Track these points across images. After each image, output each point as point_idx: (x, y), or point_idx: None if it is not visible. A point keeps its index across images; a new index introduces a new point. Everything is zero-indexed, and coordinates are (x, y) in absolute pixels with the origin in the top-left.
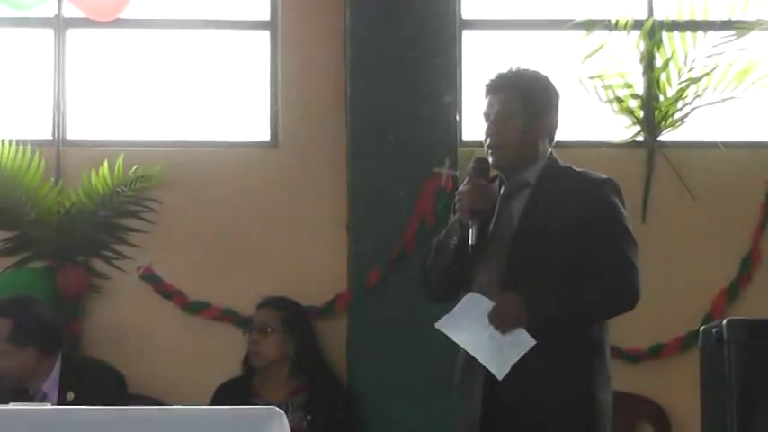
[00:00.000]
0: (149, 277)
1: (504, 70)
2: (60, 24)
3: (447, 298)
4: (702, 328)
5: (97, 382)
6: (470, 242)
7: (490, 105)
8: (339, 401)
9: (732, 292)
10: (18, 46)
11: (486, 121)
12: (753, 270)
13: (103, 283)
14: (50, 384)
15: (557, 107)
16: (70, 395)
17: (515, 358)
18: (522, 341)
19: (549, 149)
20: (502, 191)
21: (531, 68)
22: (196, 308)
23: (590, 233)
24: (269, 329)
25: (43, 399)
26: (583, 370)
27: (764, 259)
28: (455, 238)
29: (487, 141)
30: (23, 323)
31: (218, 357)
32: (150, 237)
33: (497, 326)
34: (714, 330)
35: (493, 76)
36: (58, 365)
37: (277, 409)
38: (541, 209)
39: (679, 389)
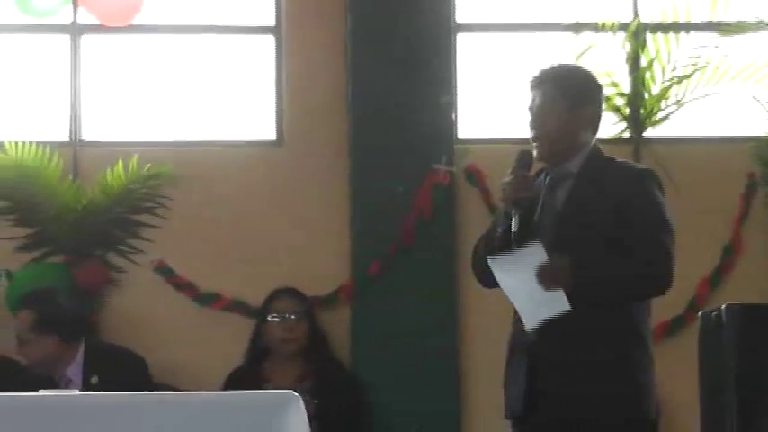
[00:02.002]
0: (162, 270)
1: (546, 66)
2: (76, 30)
3: (494, 285)
4: (701, 312)
5: (121, 367)
6: (513, 230)
7: (532, 100)
8: (345, 387)
9: (715, 279)
10: (36, 52)
11: (530, 114)
12: (734, 258)
13: (118, 275)
14: (75, 370)
15: (598, 98)
16: (94, 379)
17: (547, 317)
18: (559, 302)
19: (593, 140)
20: (546, 181)
21: (572, 63)
22: (207, 299)
23: (630, 222)
24: (296, 316)
25: (68, 384)
26: (624, 357)
27: (745, 248)
28: (500, 228)
29: (531, 134)
30: (45, 314)
31: (227, 346)
32: (163, 232)
33: (542, 281)
34: (713, 315)
35: (536, 73)
36: (81, 352)
37: (293, 392)
38: (583, 198)
39: (665, 372)
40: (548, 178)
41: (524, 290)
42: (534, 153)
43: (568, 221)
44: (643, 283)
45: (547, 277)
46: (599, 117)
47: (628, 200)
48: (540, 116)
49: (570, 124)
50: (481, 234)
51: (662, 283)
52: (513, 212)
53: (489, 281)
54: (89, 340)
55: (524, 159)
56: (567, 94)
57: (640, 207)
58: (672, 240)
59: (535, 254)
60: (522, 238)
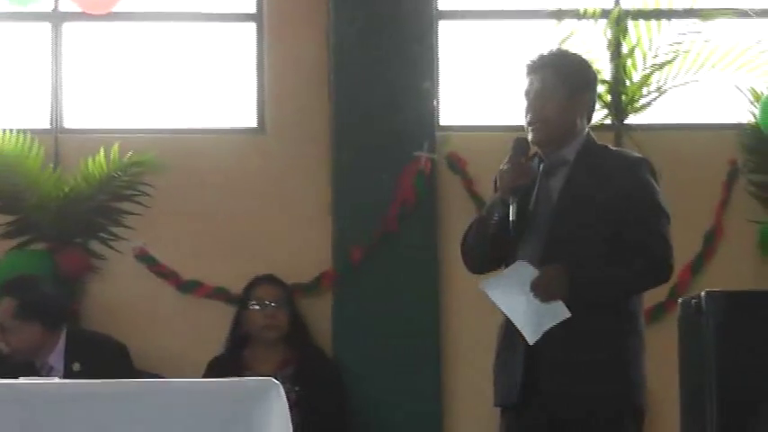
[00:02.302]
0: (144, 258)
1: (544, 52)
2: (57, 18)
3: (486, 271)
4: (681, 299)
5: (102, 354)
6: (511, 218)
7: (530, 84)
8: (326, 374)
9: (696, 265)
10: (17, 39)
11: (527, 99)
12: (716, 245)
13: (100, 263)
14: (56, 357)
15: (594, 86)
16: (76, 366)
17: (548, 326)
18: (559, 312)
19: (587, 128)
20: (540, 168)
21: (570, 50)
22: (189, 287)
23: (626, 210)
24: (277, 303)
25: (50, 371)
26: (618, 339)
27: (726, 235)
28: (496, 215)
29: (528, 118)
30: (28, 301)
31: (209, 333)
32: (145, 219)
33: (538, 294)
34: (693, 302)
35: (533, 57)
36: (63, 339)
37: (273, 380)
38: (580, 186)
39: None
40: (541, 165)
41: (520, 304)
42: (530, 138)
43: (564, 212)
44: (643, 278)
45: (543, 289)
46: (594, 105)
47: (624, 188)
48: (539, 101)
49: (569, 111)
50: (470, 222)
51: (662, 276)
52: (510, 200)
53: (480, 267)
54: (71, 328)
55: (521, 146)
56: (567, 81)
57: (637, 196)
58: (669, 229)
59: (523, 271)
60: (519, 227)
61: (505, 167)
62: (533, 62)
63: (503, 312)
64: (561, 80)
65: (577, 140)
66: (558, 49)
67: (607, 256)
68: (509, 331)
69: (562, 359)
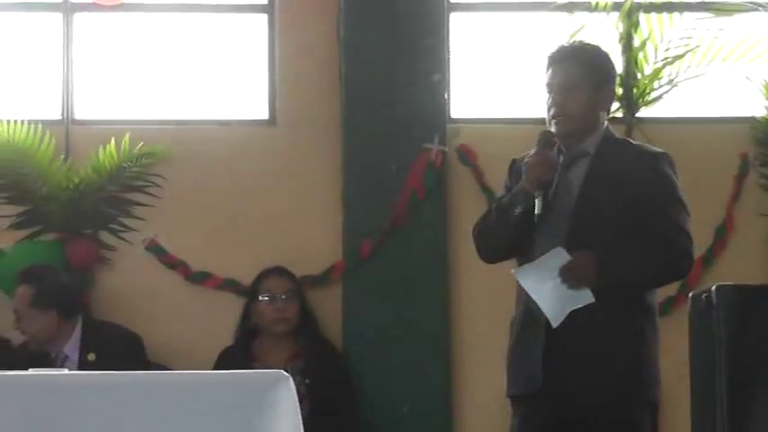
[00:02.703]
0: (154, 249)
1: (566, 44)
2: (68, 9)
3: (500, 260)
4: (692, 293)
5: (117, 345)
6: (536, 212)
7: (553, 76)
8: (336, 366)
9: (707, 259)
10: (28, 30)
11: (550, 91)
12: (727, 239)
13: (110, 254)
14: (72, 346)
15: (614, 81)
16: (91, 356)
17: (571, 309)
18: (584, 297)
19: (606, 121)
20: (561, 160)
21: (592, 43)
22: (198, 278)
23: (647, 203)
24: (287, 296)
25: (65, 360)
26: (636, 332)
27: (737, 228)
28: (519, 207)
29: (551, 111)
30: (44, 289)
31: (218, 325)
32: (155, 210)
33: (567, 280)
34: (703, 296)
35: (554, 49)
36: (78, 329)
37: (284, 372)
38: (601, 178)
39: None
40: (561, 156)
41: (547, 288)
42: (554, 129)
43: (585, 204)
44: (665, 270)
45: (572, 276)
46: (614, 98)
47: (644, 181)
48: (563, 93)
49: (593, 105)
50: (486, 209)
51: (683, 267)
52: (536, 194)
53: (495, 255)
54: (86, 318)
55: (546, 139)
56: (592, 75)
57: (657, 189)
58: (689, 222)
59: (558, 257)
60: (543, 218)
61: (532, 160)
62: (556, 54)
63: (530, 298)
64: (586, 74)
65: (597, 133)
66: (581, 42)
67: (629, 248)
68: (526, 322)
69: (580, 352)
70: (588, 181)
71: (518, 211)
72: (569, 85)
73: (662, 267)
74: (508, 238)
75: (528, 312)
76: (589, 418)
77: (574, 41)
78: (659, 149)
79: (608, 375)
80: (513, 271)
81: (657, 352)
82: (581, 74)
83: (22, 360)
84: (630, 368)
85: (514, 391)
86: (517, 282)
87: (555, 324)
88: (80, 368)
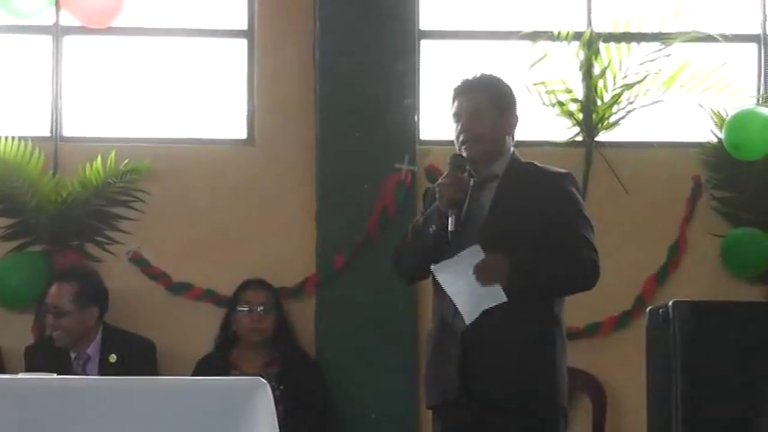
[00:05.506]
0: (138, 261)
1: (469, 76)
2: (58, 32)
3: (418, 279)
4: (649, 308)
5: (135, 349)
6: (450, 229)
7: (460, 105)
8: (309, 373)
9: (661, 276)
10: (20, 51)
11: (458, 120)
12: (680, 257)
13: (96, 265)
14: (94, 348)
15: (516, 107)
16: (112, 357)
17: (485, 308)
18: (496, 296)
19: (512, 146)
20: (471, 182)
21: (494, 74)
22: (180, 289)
23: (553, 219)
24: (264, 308)
25: (87, 360)
26: (547, 341)
27: (690, 247)
28: (434, 226)
29: (461, 137)
30: (87, 287)
31: (198, 334)
32: (139, 224)
33: (479, 277)
34: (660, 311)
35: (459, 82)
36: (100, 332)
37: (261, 379)
38: (509, 198)
39: (613, 363)
40: (472, 180)
41: (462, 285)
42: (464, 154)
43: (495, 222)
44: (572, 276)
45: (484, 274)
46: (516, 124)
47: (550, 201)
48: (471, 120)
49: (499, 129)
50: (402, 234)
51: (589, 275)
52: (449, 212)
53: (413, 275)
54: (103, 323)
55: (458, 161)
56: (495, 101)
57: (562, 205)
58: (594, 236)
59: (474, 255)
60: (456, 237)
61: (445, 181)
62: (461, 86)
63: (445, 310)
64: (491, 101)
65: (505, 157)
66: (483, 74)
67: (540, 253)
68: (442, 334)
69: (496, 360)
70: (497, 200)
71: (432, 230)
72: (476, 111)
73: (571, 274)
74: (424, 257)
75: (443, 324)
76: (507, 423)
77: (476, 74)
78: (563, 170)
79: (523, 382)
80: (432, 267)
81: (564, 361)
82: (486, 101)
83: (43, 358)
84: (544, 375)
85: (434, 401)
86: (433, 295)
87: (468, 321)
88: (101, 369)
